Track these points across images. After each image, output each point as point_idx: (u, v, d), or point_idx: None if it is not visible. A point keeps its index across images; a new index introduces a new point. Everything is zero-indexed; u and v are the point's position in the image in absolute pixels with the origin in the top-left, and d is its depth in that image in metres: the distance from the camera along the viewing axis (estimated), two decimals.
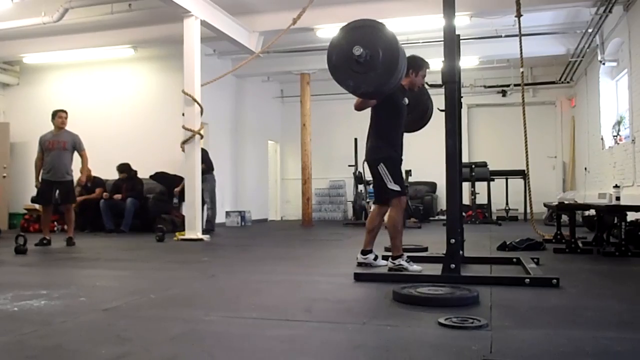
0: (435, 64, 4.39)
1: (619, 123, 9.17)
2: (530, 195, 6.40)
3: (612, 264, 4.65)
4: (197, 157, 7.87)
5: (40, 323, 2.55)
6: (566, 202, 8.22)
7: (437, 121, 4.47)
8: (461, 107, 4.40)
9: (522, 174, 10.31)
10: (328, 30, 8.78)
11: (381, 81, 3.72)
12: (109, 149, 9.90)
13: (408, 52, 3.89)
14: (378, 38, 3.67)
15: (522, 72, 6.21)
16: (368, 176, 9.17)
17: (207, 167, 8.95)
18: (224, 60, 10.93)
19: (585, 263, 4.72)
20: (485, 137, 13.32)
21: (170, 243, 7.10)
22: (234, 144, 12.00)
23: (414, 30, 9.33)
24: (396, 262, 4.12)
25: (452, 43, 3.64)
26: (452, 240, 3.46)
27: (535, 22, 9.36)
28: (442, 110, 3.72)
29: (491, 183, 11.50)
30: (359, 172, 11.49)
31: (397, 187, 4.17)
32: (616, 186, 7.23)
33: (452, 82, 3.61)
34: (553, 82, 12.28)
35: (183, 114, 8.00)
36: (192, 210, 7.70)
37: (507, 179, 11.67)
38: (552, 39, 10.21)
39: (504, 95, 13.03)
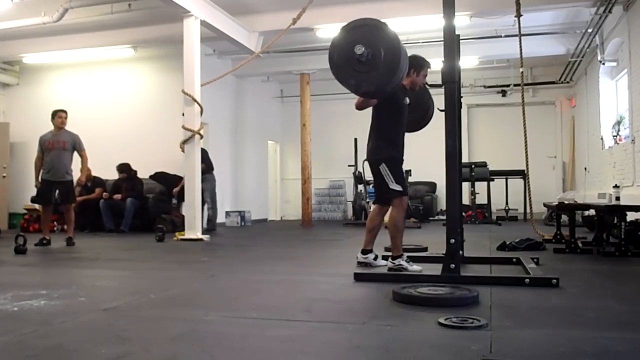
0: (435, 64, 4.39)
1: (618, 123, 9.17)
2: (530, 195, 6.41)
3: (612, 264, 4.65)
4: (197, 157, 7.87)
5: (40, 323, 2.55)
6: (566, 202, 8.23)
7: (437, 121, 4.47)
8: (461, 107, 4.40)
9: (522, 174, 10.31)
10: (328, 30, 8.79)
11: (383, 80, 3.71)
12: (109, 149, 9.89)
13: (408, 52, 3.88)
14: (380, 37, 3.67)
15: (522, 72, 6.21)
16: (368, 176, 9.19)
17: (207, 167, 8.95)
18: (224, 60, 10.94)
19: (585, 263, 4.73)
20: (485, 137, 13.33)
21: (170, 243, 7.10)
22: (234, 144, 11.99)
23: (414, 30, 9.33)
24: (396, 262, 4.13)
25: (452, 43, 3.64)
26: (452, 240, 3.46)
27: (535, 22, 9.36)
28: (442, 110, 3.72)
29: (491, 183, 11.51)
30: (358, 172, 11.49)
31: (398, 187, 4.18)
32: (616, 186, 7.23)
33: (451, 82, 3.61)
34: (553, 82, 12.28)
35: (183, 114, 8.00)
36: (192, 210, 7.69)
37: (507, 179, 11.68)
38: (552, 39, 10.21)
39: (503, 95, 13.04)
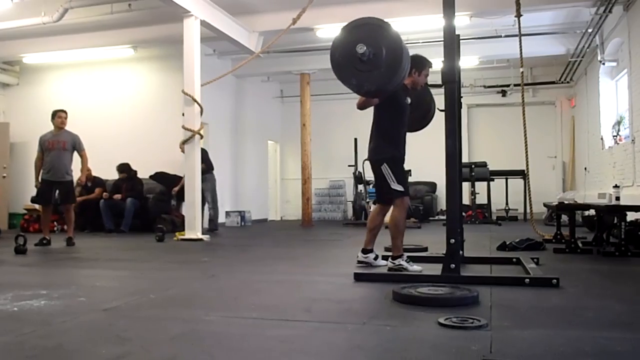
0: (435, 64, 4.39)
1: (618, 123, 9.17)
2: (530, 195, 6.40)
3: (612, 264, 4.65)
4: (197, 157, 7.87)
5: (40, 323, 2.55)
6: (566, 202, 8.23)
7: (437, 121, 4.47)
8: (461, 107, 4.41)
9: (522, 174, 10.32)
10: (328, 30, 8.79)
11: (384, 80, 3.71)
12: (109, 149, 9.89)
13: (409, 52, 3.88)
14: (382, 36, 3.67)
15: (522, 72, 6.20)
16: (368, 176, 9.19)
17: (207, 167, 8.95)
18: (224, 60, 10.94)
19: (585, 263, 4.73)
20: (485, 137, 13.33)
21: (170, 243, 7.10)
22: (234, 144, 11.99)
23: (414, 30, 9.33)
24: (396, 262, 4.13)
25: (452, 43, 3.64)
26: (452, 240, 3.46)
27: (535, 22, 9.36)
28: (442, 110, 3.72)
29: (491, 183, 11.51)
30: (358, 172, 11.49)
31: (400, 187, 4.18)
32: (616, 186, 7.22)
33: (452, 82, 3.61)
34: (553, 82, 12.29)
35: (183, 114, 8.00)
36: (192, 210, 7.69)
37: (507, 179, 11.68)
38: (552, 39, 10.21)
39: (503, 95, 13.04)
